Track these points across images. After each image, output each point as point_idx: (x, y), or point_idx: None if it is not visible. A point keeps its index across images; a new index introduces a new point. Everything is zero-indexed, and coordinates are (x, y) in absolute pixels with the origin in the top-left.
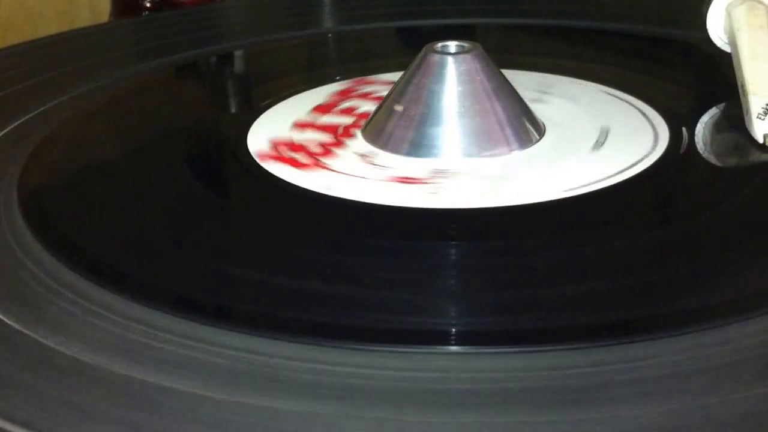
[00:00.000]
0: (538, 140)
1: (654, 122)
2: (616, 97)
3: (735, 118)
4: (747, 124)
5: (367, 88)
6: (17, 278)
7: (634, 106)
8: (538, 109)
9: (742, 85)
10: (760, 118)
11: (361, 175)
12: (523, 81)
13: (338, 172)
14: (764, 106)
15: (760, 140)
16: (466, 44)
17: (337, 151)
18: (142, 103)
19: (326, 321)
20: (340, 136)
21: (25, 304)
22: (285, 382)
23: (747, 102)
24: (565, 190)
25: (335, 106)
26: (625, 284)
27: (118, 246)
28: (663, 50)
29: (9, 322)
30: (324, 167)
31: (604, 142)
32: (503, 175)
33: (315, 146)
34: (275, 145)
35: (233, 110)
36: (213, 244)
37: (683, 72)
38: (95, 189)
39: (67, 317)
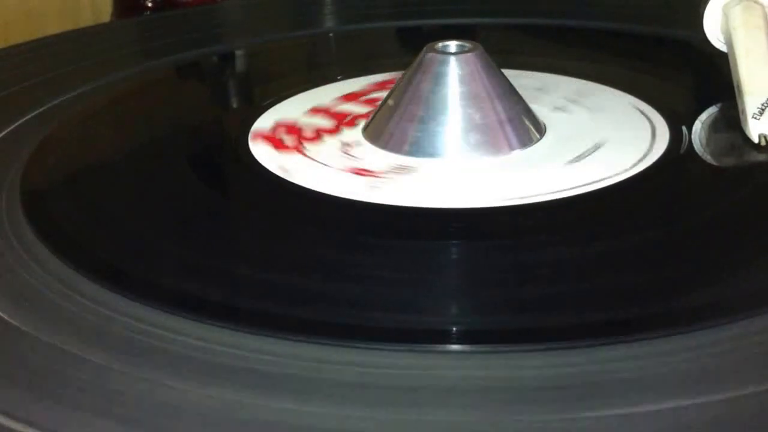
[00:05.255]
0: (539, 140)
1: (653, 122)
2: (616, 96)
3: (732, 118)
4: (742, 123)
5: None
6: (19, 277)
7: (634, 106)
8: (538, 109)
9: (738, 85)
10: (755, 118)
11: (331, 164)
12: (524, 80)
13: (312, 159)
14: (759, 106)
15: (755, 140)
16: (466, 44)
17: (327, 138)
18: (144, 103)
19: (326, 319)
20: (343, 124)
21: (27, 303)
22: (284, 381)
23: (743, 102)
24: (565, 190)
25: (364, 95)
26: (625, 284)
27: (120, 245)
28: (663, 50)
29: (11, 321)
30: (303, 153)
31: (604, 142)
32: (504, 174)
33: (310, 131)
34: (276, 126)
35: (234, 110)
36: (214, 243)
37: (683, 72)
38: (97, 189)
39: (68, 316)
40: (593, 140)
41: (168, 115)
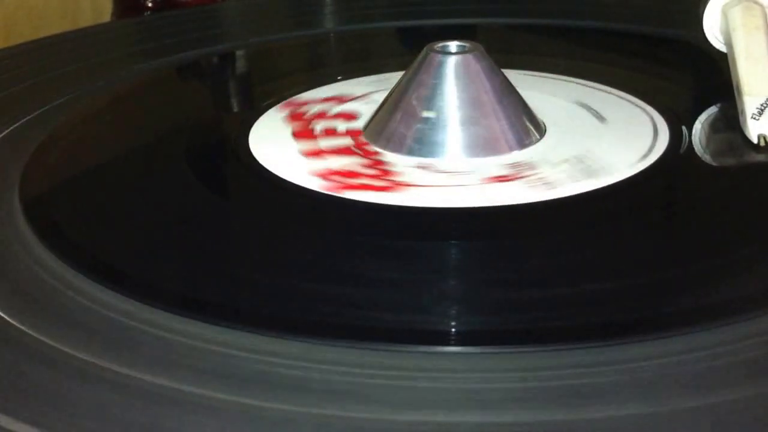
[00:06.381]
0: (539, 140)
1: (653, 122)
2: (616, 96)
3: (732, 118)
4: (742, 124)
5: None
6: (19, 277)
7: (634, 106)
8: (539, 109)
9: (737, 86)
10: (754, 119)
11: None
12: (524, 81)
13: (418, 185)
14: (759, 107)
15: (755, 140)
16: (466, 44)
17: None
18: (144, 103)
19: (326, 320)
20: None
21: (27, 303)
22: (284, 381)
23: (742, 102)
24: (564, 190)
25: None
26: (625, 284)
27: (120, 245)
28: (663, 50)
29: (11, 321)
30: (401, 184)
31: (603, 142)
32: (504, 174)
33: (361, 167)
34: (328, 175)
35: (234, 110)
36: (214, 243)
37: (683, 72)
38: (97, 189)
39: (68, 316)
40: (593, 140)
41: (168, 115)
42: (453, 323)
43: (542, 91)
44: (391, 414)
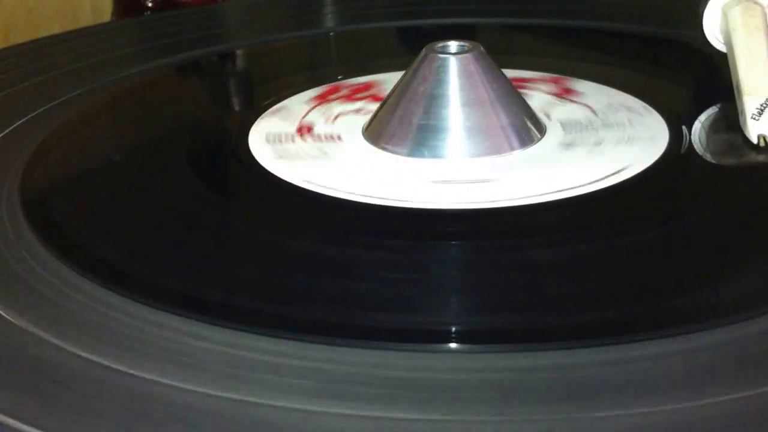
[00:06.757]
0: (539, 140)
1: (653, 122)
2: (616, 97)
3: (732, 119)
4: (741, 124)
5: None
6: (20, 277)
7: (634, 106)
8: (538, 109)
9: (737, 86)
10: (754, 119)
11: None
12: (524, 81)
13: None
14: (758, 107)
15: (754, 140)
16: (466, 44)
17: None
18: (144, 103)
19: (326, 319)
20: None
21: (27, 302)
22: (284, 381)
23: (742, 102)
24: (565, 190)
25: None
26: (625, 284)
27: (120, 245)
28: (663, 50)
29: (11, 320)
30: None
31: (604, 142)
32: (504, 174)
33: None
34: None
35: (234, 110)
36: (214, 243)
37: (683, 72)
38: (97, 188)
39: (68, 316)
40: (593, 140)
41: (168, 115)
42: (453, 323)
43: (542, 91)
44: (390, 414)
